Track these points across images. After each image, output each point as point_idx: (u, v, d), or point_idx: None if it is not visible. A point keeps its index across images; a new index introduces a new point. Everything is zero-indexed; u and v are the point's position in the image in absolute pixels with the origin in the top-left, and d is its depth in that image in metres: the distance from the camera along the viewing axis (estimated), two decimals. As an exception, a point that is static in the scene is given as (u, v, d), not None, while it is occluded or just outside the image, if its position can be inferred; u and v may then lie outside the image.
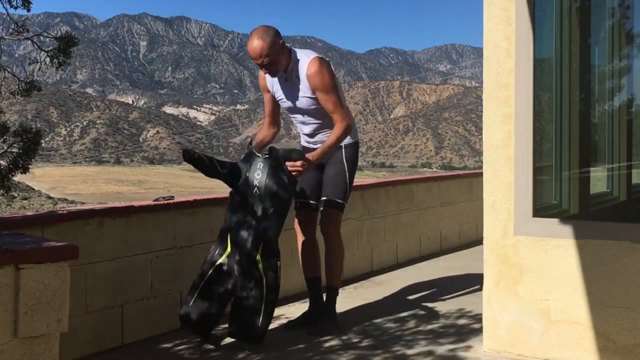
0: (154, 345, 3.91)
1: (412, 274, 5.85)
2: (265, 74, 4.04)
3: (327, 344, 3.84)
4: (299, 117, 4.18)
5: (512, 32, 3.53)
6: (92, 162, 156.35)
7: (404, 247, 6.43)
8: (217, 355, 3.70)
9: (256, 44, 3.84)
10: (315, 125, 4.15)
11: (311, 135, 4.20)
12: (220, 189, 4.59)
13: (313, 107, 4.04)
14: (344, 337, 3.95)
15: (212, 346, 3.79)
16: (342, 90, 4.18)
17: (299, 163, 3.83)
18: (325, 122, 4.10)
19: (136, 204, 4.11)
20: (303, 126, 4.23)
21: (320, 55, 4.01)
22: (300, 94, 4.02)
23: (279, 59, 3.89)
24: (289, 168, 3.81)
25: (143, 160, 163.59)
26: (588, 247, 3.36)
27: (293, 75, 4.00)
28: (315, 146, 4.13)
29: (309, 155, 3.90)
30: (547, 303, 3.46)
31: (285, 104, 4.16)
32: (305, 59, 3.96)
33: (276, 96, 4.19)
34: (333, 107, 3.94)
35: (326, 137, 4.07)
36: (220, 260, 3.79)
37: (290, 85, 4.05)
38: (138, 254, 3.98)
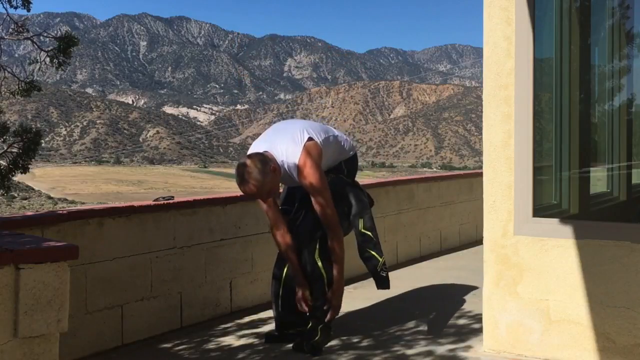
0: (154, 345, 3.91)
1: (412, 274, 5.85)
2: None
3: (327, 344, 3.83)
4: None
5: (512, 32, 3.53)
6: (92, 162, 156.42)
7: (404, 247, 6.43)
8: (217, 355, 3.71)
9: (250, 188, 3.51)
10: None
11: None
12: (219, 189, 4.58)
13: None
14: (344, 337, 3.95)
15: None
16: (335, 144, 3.89)
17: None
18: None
19: (136, 204, 4.11)
20: None
21: (306, 142, 3.64)
22: (299, 180, 3.70)
23: (276, 181, 3.59)
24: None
25: (143, 160, 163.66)
26: (588, 247, 3.36)
27: (289, 167, 3.67)
28: None
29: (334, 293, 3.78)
30: (547, 303, 3.46)
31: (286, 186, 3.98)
32: (296, 151, 3.62)
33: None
34: (322, 213, 3.66)
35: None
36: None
37: (286, 176, 3.72)
38: (138, 254, 3.98)
